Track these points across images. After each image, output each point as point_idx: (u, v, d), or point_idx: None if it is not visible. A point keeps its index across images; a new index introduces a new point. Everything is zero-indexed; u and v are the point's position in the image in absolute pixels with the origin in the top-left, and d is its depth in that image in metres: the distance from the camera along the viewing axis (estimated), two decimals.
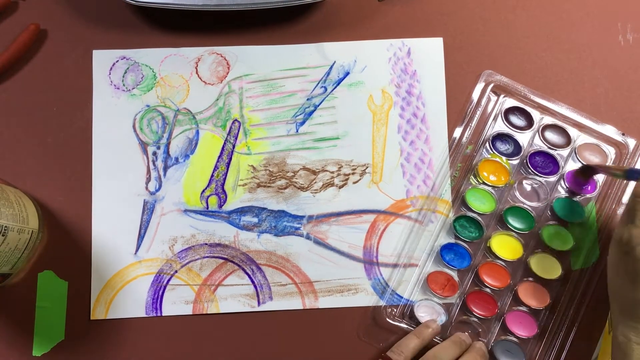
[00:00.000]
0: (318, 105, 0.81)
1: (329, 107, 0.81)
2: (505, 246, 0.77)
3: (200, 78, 0.81)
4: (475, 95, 0.81)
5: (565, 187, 0.79)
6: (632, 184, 0.77)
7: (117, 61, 0.81)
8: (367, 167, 0.80)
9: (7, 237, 0.67)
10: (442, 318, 0.75)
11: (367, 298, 0.77)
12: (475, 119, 0.81)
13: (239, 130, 0.80)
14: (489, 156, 0.79)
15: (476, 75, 0.82)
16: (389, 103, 0.81)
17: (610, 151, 0.80)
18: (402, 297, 0.76)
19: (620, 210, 0.77)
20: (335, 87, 0.81)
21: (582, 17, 0.84)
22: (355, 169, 0.80)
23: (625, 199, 0.78)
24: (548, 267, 0.76)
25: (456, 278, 0.77)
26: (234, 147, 0.79)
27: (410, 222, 0.78)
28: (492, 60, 0.82)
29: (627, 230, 0.63)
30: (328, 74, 0.82)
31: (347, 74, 0.82)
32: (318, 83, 0.81)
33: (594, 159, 0.79)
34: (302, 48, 0.82)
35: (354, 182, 0.79)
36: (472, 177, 0.79)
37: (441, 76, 0.82)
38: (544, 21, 0.83)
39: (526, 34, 0.83)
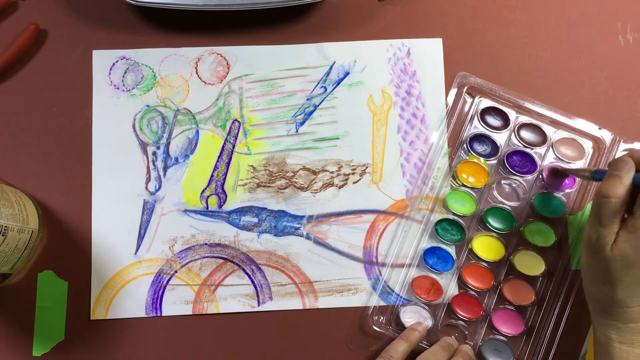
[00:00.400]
0: (318, 105, 0.81)
1: (328, 107, 0.81)
2: (487, 247, 0.77)
3: (200, 78, 0.81)
4: (450, 98, 0.81)
5: (543, 181, 0.79)
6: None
7: (117, 61, 0.81)
8: (367, 167, 0.80)
9: (7, 237, 0.67)
10: (428, 322, 0.75)
11: (367, 298, 0.77)
12: (452, 122, 0.81)
13: (238, 130, 0.80)
14: (467, 158, 0.80)
15: (476, 74, 0.82)
16: (388, 103, 0.81)
17: (587, 144, 0.80)
18: (393, 291, 0.77)
19: None
20: (335, 87, 0.81)
21: (582, 17, 0.84)
22: (355, 169, 0.80)
23: None
24: (531, 264, 0.76)
25: (441, 281, 0.77)
26: (233, 147, 0.79)
27: (411, 222, 0.79)
28: (492, 60, 0.82)
29: (594, 231, 0.62)
30: (328, 74, 0.82)
31: (347, 74, 0.82)
32: (318, 83, 0.81)
33: (570, 154, 0.79)
34: (302, 48, 0.82)
35: (354, 182, 0.79)
36: (451, 179, 0.79)
37: (441, 76, 0.82)
38: (543, 21, 0.83)
39: (526, 34, 0.83)
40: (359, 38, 0.83)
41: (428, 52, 0.83)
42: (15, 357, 0.74)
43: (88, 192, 0.78)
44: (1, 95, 0.80)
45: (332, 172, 0.79)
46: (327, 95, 0.81)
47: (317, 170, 0.80)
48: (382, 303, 0.76)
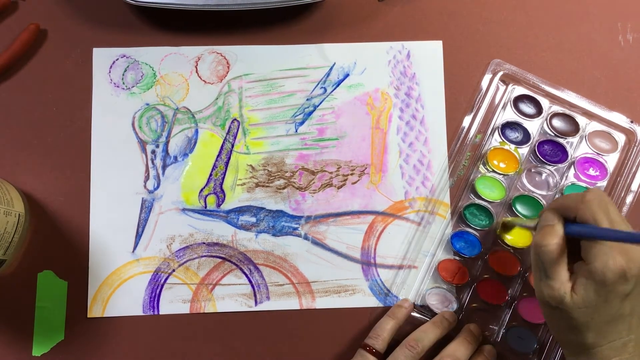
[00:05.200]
0: (317, 106, 0.81)
1: (328, 107, 0.81)
2: (515, 234, 0.77)
3: (200, 77, 0.81)
4: (484, 83, 0.81)
5: (575, 172, 0.79)
6: (639, 176, 0.79)
7: (117, 59, 0.81)
8: (365, 168, 0.80)
9: None
10: (453, 306, 0.75)
11: (364, 299, 0.77)
12: (484, 108, 0.81)
13: (238, 130, 0.80)
14: (499, 144, 0.80)
15: (476, 75, 0.82)
16: (388, 105, 0.81)
17: (621, 138, 0.80)
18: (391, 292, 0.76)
19: (625, 208, 0.78)
20: (335, 89, 0.81)
21: (582, 17, 0.84)
22: (354, 170, 0.79)
23: (635, 186, 0.79)
24: None
25: (467, 266, 0.77)
26: (232, 146, 0.79)
27: (410, 224, 0.78)
28: (492, 60, 0.82)
29: (545, 286, 0.60)
30: (328, 75, 0.82)
31: (347, 75, 0.82)
32: (318, 84, 0.81)
33: (604, 146, 0.80)
34: (302, 48, 0.82)
35: (353, 183, 0.79)
36: (481, 165, 0.79)
37: (440, 79, 0.82)
38: (543, 21, 0.83)
39: (526, 34, 0.83)
40: (359, 38, 0.83)
41: (428, 54, 0.83)
42: (15, 357, 0.74)
43: (87, 191, 0.78)
44: (1, 95, 0.80)
45: (330, 173, 0.79)
46: (327, 96, 0.81)
47: (316, 171, 0.79)
48: (381, 305, 0.76)
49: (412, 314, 0.75)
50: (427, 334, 0.71)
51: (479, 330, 0.74)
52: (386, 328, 0.72)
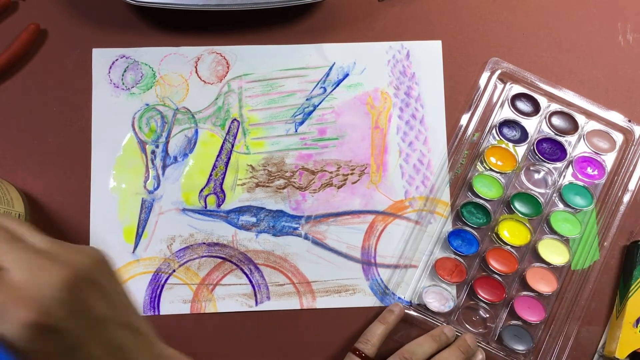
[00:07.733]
0: (317, 106, 0.81)
1: (328, 107, 0.81)
2: (513, 232, 0.77)
3: (199, 77, 0.81)
4: (482, 82, 0.81)
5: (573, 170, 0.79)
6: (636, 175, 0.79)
7: (117, 60, 0.81)
8: (365, 168, 0.80)
9: None
10: (450, 304, 0.75)
11: (364, 299, 0.77)
12: (482, 106, 0.81)
13: (237, 130, 0.80)
14: (496, 142, 0.80)
15: (475, 74, 0.82)
16: (387, 104, 0.81)
17: (619, 138, 0.81)
18: (402, 300, 0.76)
19: (623, 207, 0.78)
20: (335, 88, 0.81)
21: (582, 17, 0.84)
22: (354, 169, 0.79)
23: (632, 185, 0.79)
24: (556, 253, 0.77)
25: (464, 264, 0.77)
26: (232, 146, 0.79)
27: (410, 223, 0.78)
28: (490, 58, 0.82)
29: None
30: (327, 74, 0.82)
31: (347, 75, 0.82)
32: (317, 83, 0.81)
33: (602, 145, 0.80)
34: (301, 48, 0.82)
35: (353, 183, 0.79)
36: (478, 163, 0.79)
37: (440, 78, 0.82)
38: (543, 21, 0.84)
39: (526, 34, 0.83)
40: (359, 38, 0.83)
41: (427, 54, 0.83)
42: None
43: (87, 191, 0.78)
44: (1, 95, 0.80)
45: (330, 172, 0.79)
46: (327, 96, 0.81)
47: (316, 170, 0.79)
48: (380, 305, 0.76)
49: (410, 312, 0.75)
50: (422, 347, 0.71)
51: (474, 342, 0.74)
52: (376, 333, 0.72)
